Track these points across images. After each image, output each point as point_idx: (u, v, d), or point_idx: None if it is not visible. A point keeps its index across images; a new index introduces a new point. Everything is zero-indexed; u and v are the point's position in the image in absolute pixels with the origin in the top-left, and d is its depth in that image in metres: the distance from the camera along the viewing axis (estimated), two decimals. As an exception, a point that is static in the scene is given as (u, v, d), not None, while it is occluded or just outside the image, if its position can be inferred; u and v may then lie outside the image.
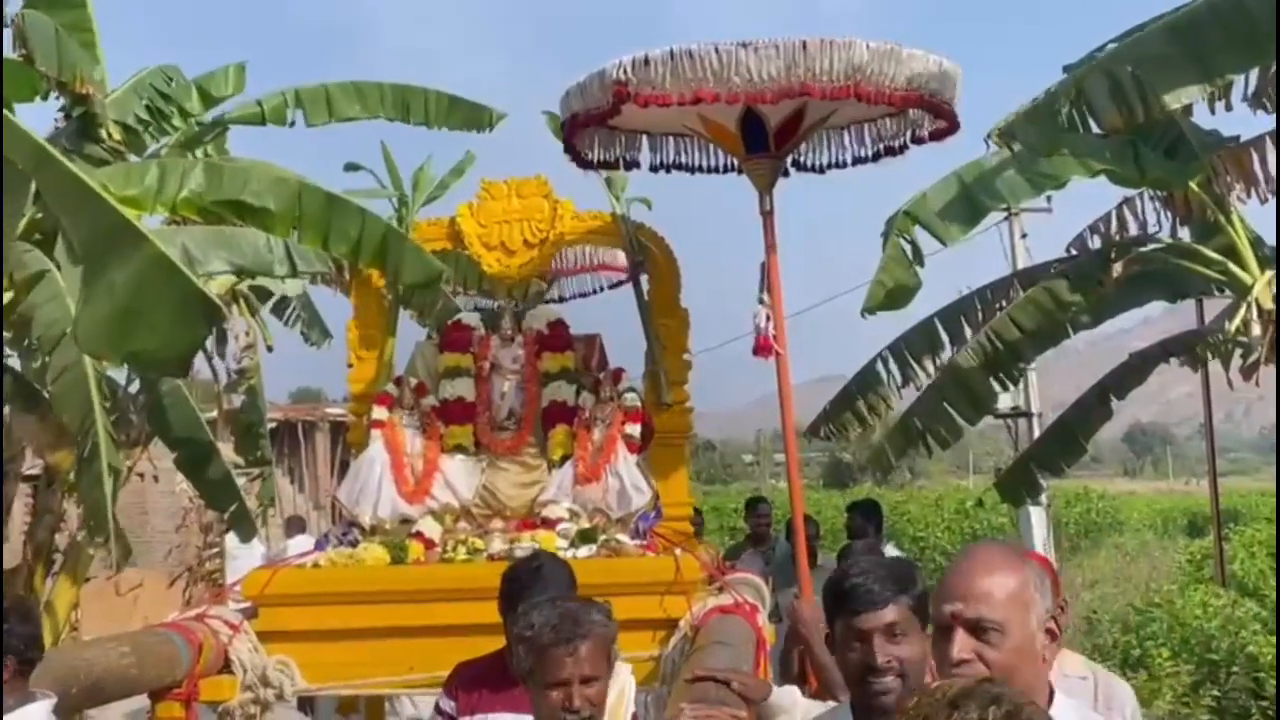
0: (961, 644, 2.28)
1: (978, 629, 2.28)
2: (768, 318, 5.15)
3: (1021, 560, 2.40)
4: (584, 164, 5.85)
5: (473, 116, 8.90)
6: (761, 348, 5.19)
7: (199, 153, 8.66)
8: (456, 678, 4.26)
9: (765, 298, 5.16)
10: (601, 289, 7.87)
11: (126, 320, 3.88)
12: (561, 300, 7.61)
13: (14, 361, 8.05)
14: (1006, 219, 18.52)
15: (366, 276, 6.60)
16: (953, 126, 5.40)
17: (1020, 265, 15.83)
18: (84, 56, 6.95)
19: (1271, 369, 7.36)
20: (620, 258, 7.06)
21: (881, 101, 4.86)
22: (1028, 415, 18.22)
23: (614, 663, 3.23)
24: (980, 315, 8.67)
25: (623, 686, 3.64)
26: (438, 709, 4.23)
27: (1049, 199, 17.94)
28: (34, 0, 7.29)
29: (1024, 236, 19.13)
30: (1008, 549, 2.50)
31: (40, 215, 6.64)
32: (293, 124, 8.88)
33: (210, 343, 5.90)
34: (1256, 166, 7.40)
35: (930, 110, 5.17)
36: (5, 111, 3.81)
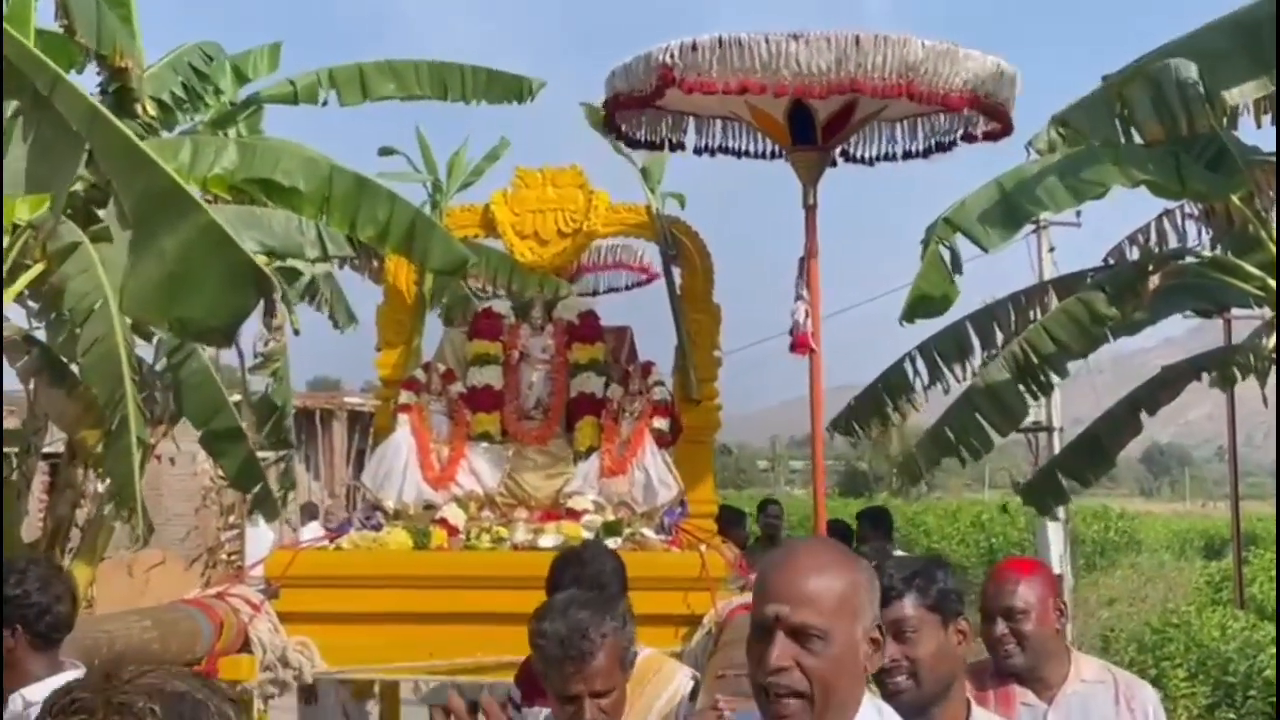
0: (781, 649, 2.07)
1: (800, 634, 2.08)
2: (806, 314, 5.10)
3: (853, 562, 2.19)
4: (630, 143, 5.81)
5: (512, 87, 8.83)
6: (799, 344, 5.15)
7: (232, 131, 8.65)
8: (524, 668, 4.23)
9: (805, 293, 5.11)
10: (630, 286, 7.87)
11: (174, 285, 3.87)
12: (595, 294, 7.62)
13: (41, 334, 8.05)
14: (1035, 231, 18.40)
15: (399, 261, 6.59)
16: (1007, 129, 5.35)
17: (1047, 277, 15.75)
18: (123, 31, 6.94)
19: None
20: (645, 258, 7.05)
21: (935, 103, 4.81)
22: (1049, 430, 18.10)
23: (630, 664, 3.14)
24: (1013, 321, 8.61)
25: (676, 689, 3.60)
26: (509, 697, 4.21)
27: (1078, 214, 17.86)
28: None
29: (1051, 250, 19.03)
30: (838, 548, 2.27)
31: (77, 188, 6.64)
32: (325, 103, 8.84)
33: (258, 317, 5.91)
34: (1298, 182, 7.33)
35: (986, 113, 5.11)
36: (60, 72, 3.78)
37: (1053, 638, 3.30)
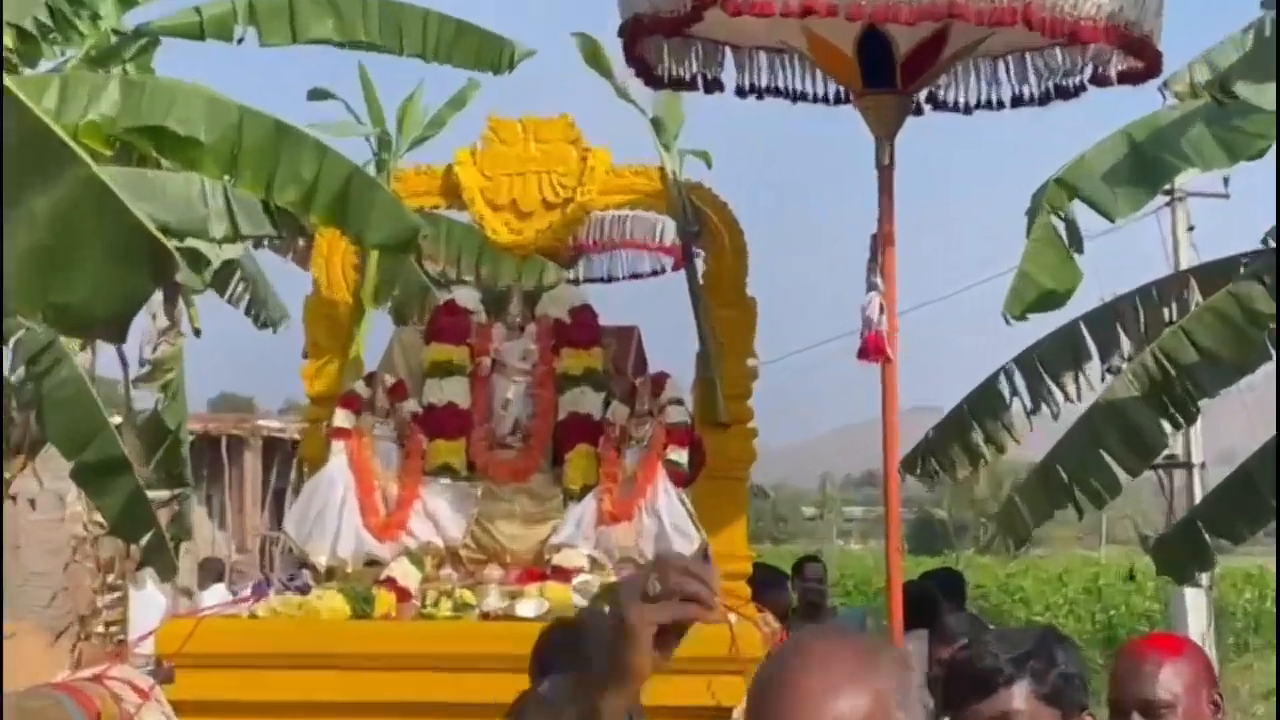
0: None
1: None
2: (881, 308, 5.08)
3: (874, 665, 2.07)
4: (651, 80, 5.80)
5: (487, 50, 8.84)
6: (871, 348, 5.12)
7: (115, 70, 8.66)
8: None
9: (878, 280, 5.10)
10: (641, 274, 7.86)
11: (47, 260, 3.86)
12: (588, 282, 7.62)
13: None
14: (1169, 204, 18.46)
15: (333, 239, 6.59)
16: (1152, 68, 5.34)
17: (1185, 264, 15.74)
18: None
19: None
20: (666, 230, 7.04)
21: (1062, 34, 4.79)
22: (1187, 466, 18.12)
23: None
24: (1143, 323, 8.57)
25: None
26: None
27: (1226, 181, 17.87)
28: None
29: (1191, 229, 19.06)
30: (853, 646, 2.13)
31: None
32: (241, 41, 8.85)
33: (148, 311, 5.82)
34: None
35: (1124, 47, 5.09)
36: None
37: None
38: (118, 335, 6.06)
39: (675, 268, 7.13)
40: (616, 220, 6.88)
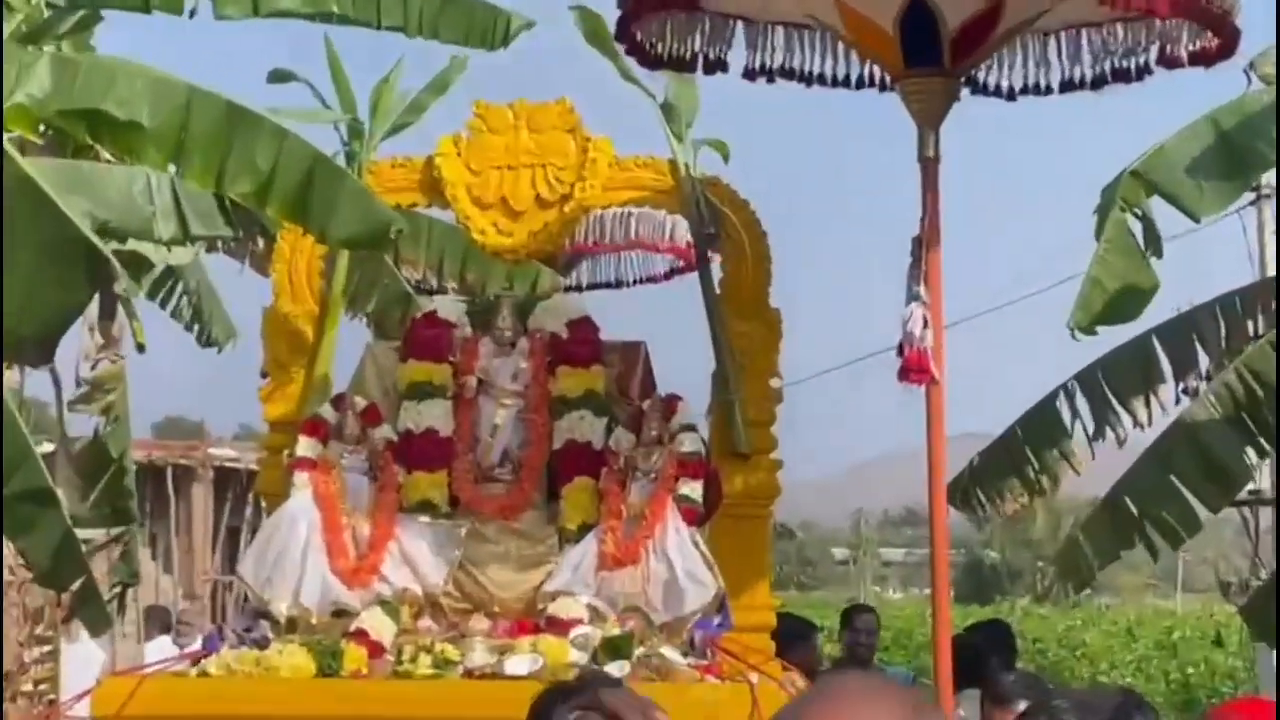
0: None
1: None
2: (925, 322, 5.07)
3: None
4: (647, 60, 5.82)
5: (478, 23, 8.85)
6: (913, 368, 5.10)
7: (48, 47, 8.70)
8: None
9: (921, 290, 5.08)
10: (647, 279, 7.86)
11: None
12: (589, 289, 7.63)
13: None
14: (1253, 203, 18.44)
15: (295, 239, 6.61)
16: (1227, 48, 5.34)
17: (1271, 270, 15.73)
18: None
19: None
20: (677, 228, 7.05)
21: (1138, 6, 4.79)
22: (1276, 503, 18.07)
23: None
24: (1223, 338, 8.58)
25: None
26: None
27: (1319, 176, 17.96)
28: None
29: (1278, 231, 19.05)
30: (897, 698, 2.13)
31: None
32: (193, 13, 8.87)
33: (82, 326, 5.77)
34: None
35: (1200, 21, 5.08)
36: None
37: None
38: (46, 354, 6.06)
39: (685, 270, 7.12)
40: (619, 218, 6.87)
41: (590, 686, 4.11)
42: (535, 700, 4.03)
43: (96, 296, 5.16)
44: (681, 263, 7.44)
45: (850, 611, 10.09)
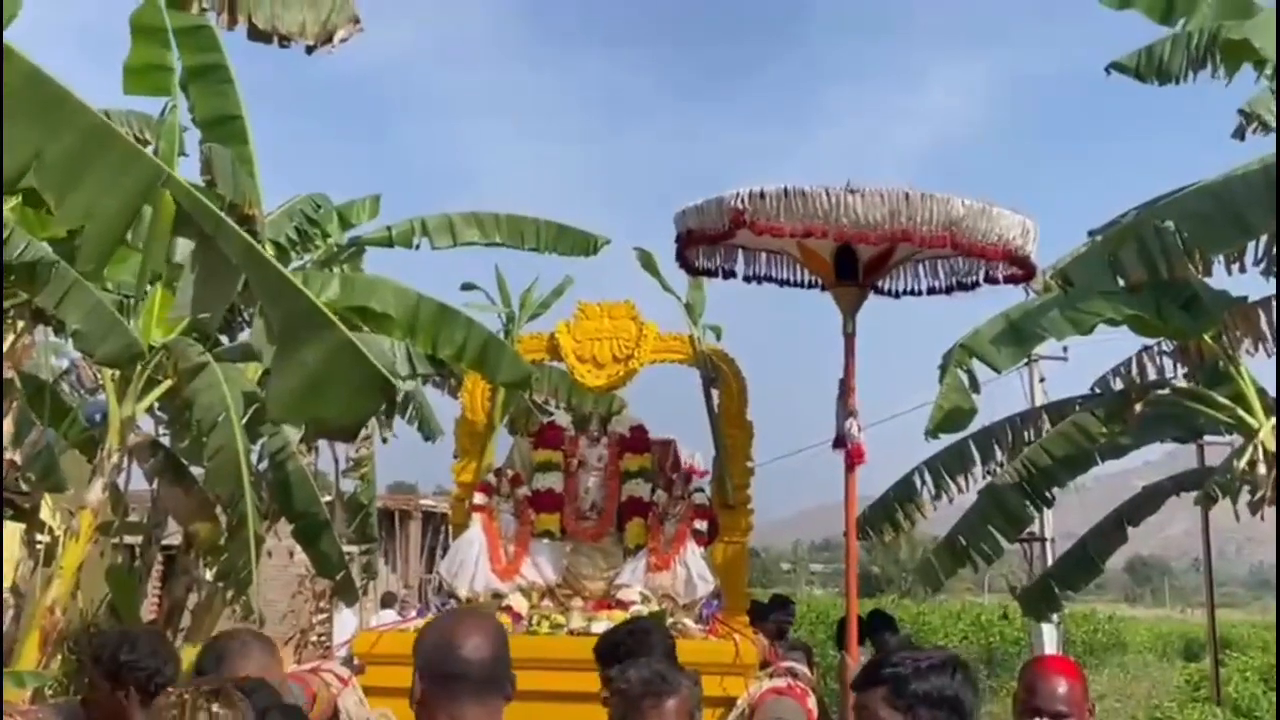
0: None
1: None
2: (860, 428, 5.03)
3: None
4: (692, 270, 5.85)
5: (579, 242, 9.02)
6: (855, 456, 5.03)
7: (336, 269, 8.85)
8: None
9: (856, 410, 5.03)
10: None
11: (313, 391, 3.96)
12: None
13: (166, 440, 8.19)
14: (1027, 364, 18.34)
15: (475, 379, 6.66)
16: (1028, 274, 5.35)
17: (1038, 403, 15.62)
18: (250, 185, 7.20)
19: (1274, 508, 7.16)
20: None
21: (975, 254, 4.81)
22: (1043, 540, 17.80)
23: None
24: (1010, 440, 8.56)
25: None
26: None
27: (1065, 350, 17.91)
28: (209, 134, 7.59)
29: (1042, 380, 18.93)
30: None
31: (208, 317, 6.82)
32: (418, 247, 9.05)
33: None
34: (1263, 324, 7.41)
35: (1015, 263, 5.11)
36: (221, 215, 3.96)
37: None
38: (352, 437, 6.12)
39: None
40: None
41: (642, 622, 4.05)
42: (606, 631, 3.92)
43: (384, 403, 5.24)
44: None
45: (776, 599, 9.93)
